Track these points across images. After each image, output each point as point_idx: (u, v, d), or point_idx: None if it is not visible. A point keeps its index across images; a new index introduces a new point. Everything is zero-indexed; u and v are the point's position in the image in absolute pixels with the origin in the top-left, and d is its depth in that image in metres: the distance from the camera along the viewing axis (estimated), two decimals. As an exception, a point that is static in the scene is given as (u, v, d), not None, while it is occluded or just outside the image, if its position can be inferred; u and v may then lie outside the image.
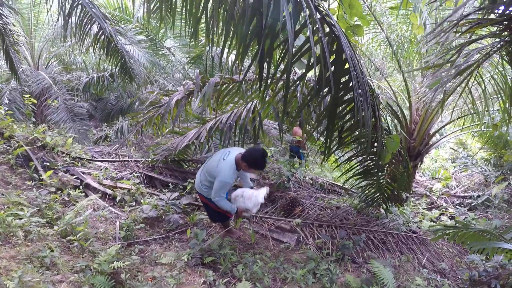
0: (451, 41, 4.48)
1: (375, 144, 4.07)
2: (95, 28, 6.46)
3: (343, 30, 3.32)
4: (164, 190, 5.35)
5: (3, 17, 6.31)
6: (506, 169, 8.75)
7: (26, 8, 10.28)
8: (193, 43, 8.38)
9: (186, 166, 6.30)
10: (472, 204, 7.69)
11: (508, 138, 7.68)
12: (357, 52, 3.72)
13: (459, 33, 3.52)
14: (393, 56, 6.46)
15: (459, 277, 4.49)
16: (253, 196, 3.85)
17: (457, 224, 5.00)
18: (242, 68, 3.94)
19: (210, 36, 2.76)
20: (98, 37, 6.59)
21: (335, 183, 6.81)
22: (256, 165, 3.67)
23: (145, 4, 3.11)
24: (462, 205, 7.76)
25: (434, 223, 6.03)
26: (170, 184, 5.50)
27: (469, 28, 3.24)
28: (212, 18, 2.72)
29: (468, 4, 3.54)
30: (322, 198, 5.83)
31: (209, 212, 4.27)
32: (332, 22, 2.76)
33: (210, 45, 2.85)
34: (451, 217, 6.84)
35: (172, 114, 4.88)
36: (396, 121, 6.01)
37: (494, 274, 3.94)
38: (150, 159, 6.05)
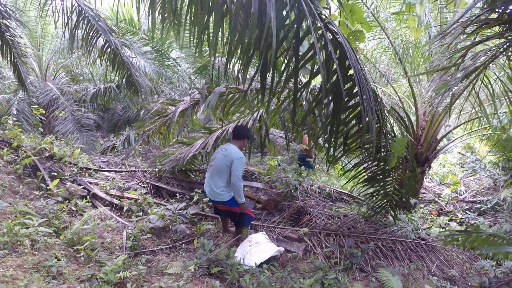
0: (456, 43, 4.44)
1: (381, 150, 4.06)
2: (101, 41, 6.56)
3: (345, 37, 3.33)
4: (171, 200, 5.37)
5: (11, 29, 6.41)
6: (515, 172, 8.63)
7: (33, 20, 10.47)
8: (198, 53, 8.45)
9: (193, 176, 6.31)
10: (482, 209, 7.57)
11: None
12: (360, 58, 3.72)
13: (465, 35, 3.49)
14: (399, 61, 6.44)
15: (469, 284, 4.40)
16: (259, 252, 4.04)
17: (467, 229, 4.92)
18: (248, 77, 3.97)
19: (215, 47, 2.78)
20: (104, 49, 6.68)
21: (342, 191, 6.78)
22: (245, 134, 4.26)
23: (150, 15, 3.14)
24: (471, 210, 7.64)
25: (443, 229, 5.94)
26: (177, 194, 5.52)
27: (476, 29, 3.21)
28: (216, 29, 2.73)
29: (472, 5, 3.51)
30: (329, 207, 5.79)
31: (233, 218, 4.49)
32: (334, 29, 2.76)
33: (214, 55, 2.87)
34: (461, 223, 6.74)
35: (178, 123, 4.91)
36: (402, 127, 5.97)
37: (505, 280, 3.86)
38: (157, 169, 6.08)
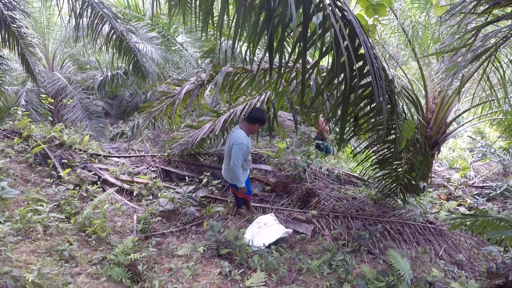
0: (467, 23, 4.33)
1: (392, 132, 4.01)
2: (106, 27, 6.55)
3: (356, 16, 3.26)
4: (180, 184, 5.40)
5: (17, 20, 6.41)
6: (525, 158, 8.50)
7: (38, 11, 10.46)
8: (204, 37, 8.41)
9: (202, 160, 6.35)
10: (491, 195, 7.47)
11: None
12: (370, 37, 3.64)
13: (476, 14, 3.40)
14: (408, 43, 6.32)
15: (477, 268, 4.40)
16: (268, 233, 4.06)
17: (475, 212, 4.88)
18: (255, 58, 3.94)
19: (221, 29, 2.74)
20: (110, 36, 6.67)
21: (351, 173, 6.74)
22: (257, 118, 4.12)
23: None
24: (480, 196, 7.55)
25: (451, 214, 5.90)
26: (186, 177, 5.54)
27: (487, 9, 3.13)
28: (222, 10, 2.69)
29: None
30: (338, 189, 5.78)
31: (234, 196, 4.73)
32: (343, 6, 2.71)
33: (221, 38, 2.83)
34: (469, 208, 6.68)
35: (185, 103, 4.90)
36: (412, 109, 5.89)
37: (512, 266, 3.82)
38: (166, 154, 6.10)
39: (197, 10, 2.86)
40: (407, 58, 7.96)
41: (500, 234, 3.42)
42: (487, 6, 3.19)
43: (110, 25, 6.41)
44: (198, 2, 2.80)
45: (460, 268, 4.31)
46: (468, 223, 3.63)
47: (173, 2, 3.08)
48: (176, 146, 5.95)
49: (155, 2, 3.10)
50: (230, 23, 2.69)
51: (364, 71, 3.01)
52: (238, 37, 2.67)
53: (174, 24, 10.78)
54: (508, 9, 3.43)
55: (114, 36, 6.68)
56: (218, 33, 2.92)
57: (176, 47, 11.37)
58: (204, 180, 5.35)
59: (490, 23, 3.49)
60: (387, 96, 3.43)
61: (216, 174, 5.69)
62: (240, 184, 4.28)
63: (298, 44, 2.68)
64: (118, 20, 6.66)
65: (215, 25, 2.96)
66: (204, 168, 5.83)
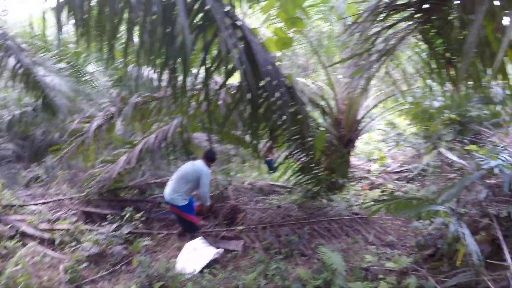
0: (368, 30, 4.71)
1: (306, 139, 4.21)
2: (12, 61, 6.06)
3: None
4: (103, 223, 5.08)
5: None
6: (434, 138, 9.33)
7: None
8: (111, 66, 8.19)
9: (123, 194, 6.10)
10: (409, 177, 8.06)
11: (431, 111, 8.19)
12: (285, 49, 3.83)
13: (377, 21, 3.71)
14: (315, 53, 6.66)
15: (408, 245, 4.65)
16: (199, 258, 4.09)
17: (385, 198, 5.23)
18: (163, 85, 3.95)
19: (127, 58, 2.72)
20: (15, 70, 6.18)
21: (274, 183, 6.92)
22: (214, 158, 4.82)
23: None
24: (400, 179, 8.12)
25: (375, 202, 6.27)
26: (108, 215, 5.23)
27: (386, 16, 3.43)
28: (127, 39, 2.66)
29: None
30: (262, 201, 5.88)
31: (181, 222, 4.81)
32: (240, 26, 2.81)
33: (127, 65, 2.79)
34: (391, 193, 7.10)
35: (96, 140, 4.72)
36: (324, 115, 6.21)
37: (438, 235, 4.11)
38: (84, 194, 5.73)
39: (101, 38, 2.79)
40: (316, 65, 8.39)
41: (413, 211, 3.74)
42: (386, 13, 3.52)
43: (16, 58, 5.96)
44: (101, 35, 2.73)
45: (392, 248, 4.54)
46: (384, 207, 3.91)
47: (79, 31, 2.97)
48: (94, 184, 5.62)
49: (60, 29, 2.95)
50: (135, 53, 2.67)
51: (271, 87, 3.12)
52: (142, 64, 2.67)
53: (83, 53, 10.31)
54: (405, 13, 3.77)
55: (20, 70, 6.20)
56: (125, 61, 2.87)
57: (86, 78, 10.85)
58: (127, 215, 5.08)
59: (390, 27, 3.84)
60: (296, 107, 3.60)
61: (138, 207, 5.48)
62: (207, 204, 4.78)
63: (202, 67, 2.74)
64: (23, 52, 6.23)
65: (121, 52, 2.92)
66: (127, 203, 5.53)
